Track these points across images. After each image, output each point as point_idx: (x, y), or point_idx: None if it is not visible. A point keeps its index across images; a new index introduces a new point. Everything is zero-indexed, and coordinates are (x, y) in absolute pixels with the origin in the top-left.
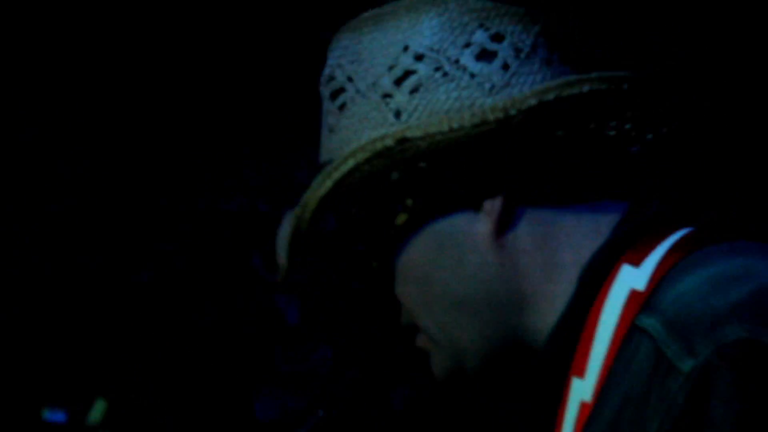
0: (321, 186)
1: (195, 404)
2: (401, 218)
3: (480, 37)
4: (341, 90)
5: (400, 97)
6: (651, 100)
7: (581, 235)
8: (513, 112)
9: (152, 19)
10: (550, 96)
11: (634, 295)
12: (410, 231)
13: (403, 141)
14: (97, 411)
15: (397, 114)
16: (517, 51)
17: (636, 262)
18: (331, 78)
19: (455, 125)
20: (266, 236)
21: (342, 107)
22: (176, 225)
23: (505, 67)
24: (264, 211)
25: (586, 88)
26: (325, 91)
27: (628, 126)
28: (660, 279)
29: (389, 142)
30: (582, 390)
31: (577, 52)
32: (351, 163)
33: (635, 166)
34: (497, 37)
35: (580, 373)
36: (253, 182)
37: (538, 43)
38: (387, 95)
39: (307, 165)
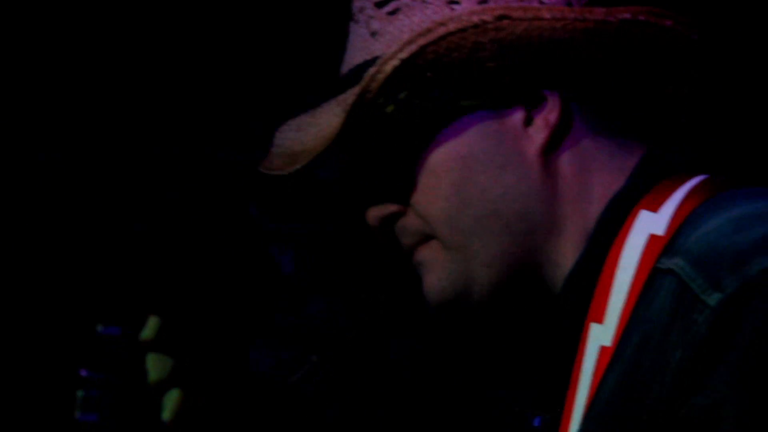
0: (403, 49)
1: (186, 358)
2: (465, 102)
3: None
4: None
5: (467, 5)
6: (705, 66)
7: (609, 172)
8: (612, 18)
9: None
10: (641, 17)
11: (653, 239)
12: (457, 125)
13: (502, 17)
14: (151, 327)
15: None
16: None
17: (654, 208)
18: None
19: (557, 15)
20: (262, 185)
21: (394, 12)
22: (171, 173)
23: (569, 3)
24: (260, 159)
25: (668, 22)
26: (367, 2)
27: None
28: (680, 223)
29: (487, 16)
30: (601, 335)
31: None
32: (441, 30)
33: (661, 110)
34: None
35: (599, 319)
36: (248, 131)
37: None
38: (453, 2)
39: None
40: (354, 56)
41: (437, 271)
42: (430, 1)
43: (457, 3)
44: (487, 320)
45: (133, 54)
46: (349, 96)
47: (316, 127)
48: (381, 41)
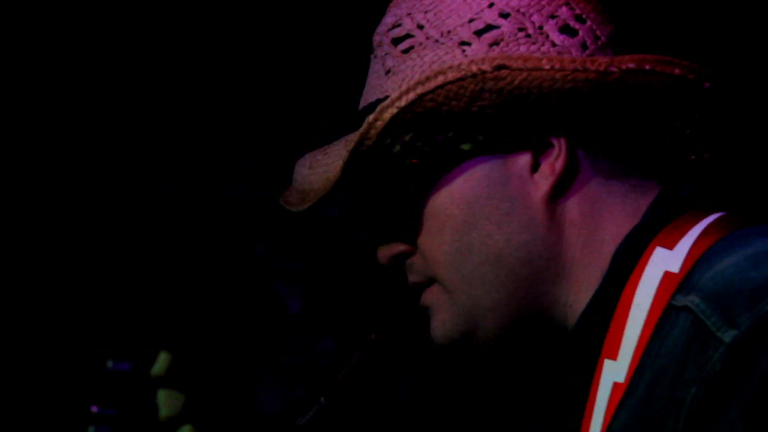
0: (401, 97)
1: (197, 394)
2: (466, 146)
3: (565, 13)
4: (408, 36)
5: (478, 46)
6: (713, 109)
7: (623, 214)
8: (614, 69)
9: (157, 10)
10: (647, 66)
11: (668, 276)
12: (463, 168)
13: (500, 67)
14: (161, 363)
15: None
16: (596, 38)
17: (669, 245)
18: (397, 25)
19: (557, 65)
20: (269, 224)
21: (407, 51)
22: (178, 213)
23: (584, 46)
24: (266, 199)
25: (677, 70)
26: (385, 37)
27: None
28: (694, 261)
29: (485, 66)
30: (615, 371)
31: None
32: (440, 79)
33: (669, 149)
34: (580, 19)
35: (613, 355)
36: (255, 170)
37: (611, 39)
38: (464, 43)
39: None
40: (369, 93)
41: (441, 315)
42: (443, 41)
43: (468, 45)
44: (494, 358)
45: (142, 93)
46: (352, 140)
47: (324, 167)
48: (393, 80)
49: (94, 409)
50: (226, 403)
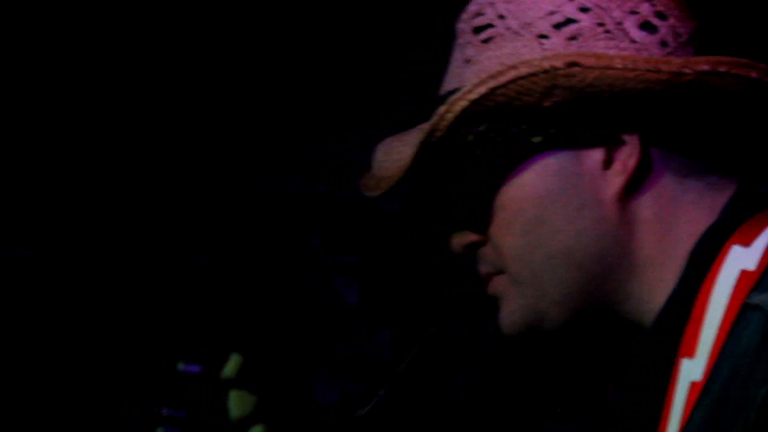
0: (473, 91)
1: (268, 394)
2: (537, 139)
3: (646, 9)
4: (488, 26)
5: (557, 40)
6: None
7: (699, 212)
8: (687, 71)
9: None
10: (722, 68)
11: (744, 275)
12: (534, 162)
13: (572, 64)
14: (232, 365)
15: None
16: (676, 35)
17: (746, 243)
18: (479, 14)
19: (629, 65)
20: (325, 218)
21: (487, 41)
22: (235, 206)
23: (664, 43)
24: (323, 192)
25: (754, 73)
26: (467, 25)
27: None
28: None
29: (558, 62)
30: (692, 370)
31: None
32: (512, 73)
33: (746, 147)
34: (661, 15)
35: (690, 353)
36: (313, 163)
37: (693, 37)
38: (543, 36)
39: (367, 146)
40: (449, 80)
41: (508, 305)
42: (522, 33)
43: (546, 38)
44: (562, 352)
45: (201, 87)
46: (424, 129)
47: (398, 154)
48: (472, 69)
49: (165, 411)
50: (290, 398)
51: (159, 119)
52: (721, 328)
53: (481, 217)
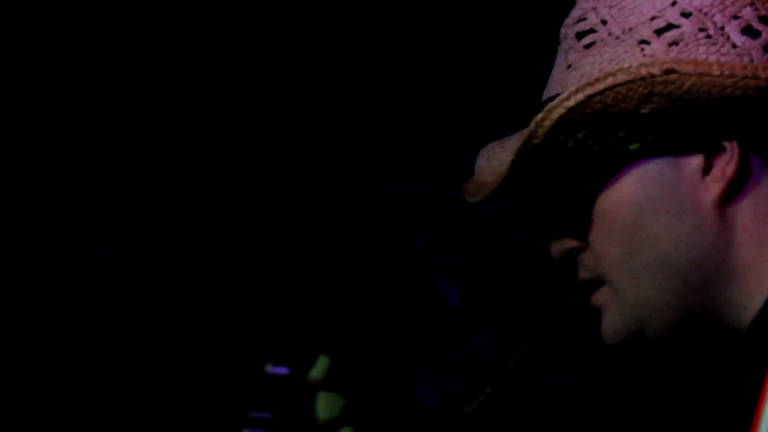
0: (569, 98)
1: (357, 396)
2: (634, 146)
3: (749, 13)
4: (591, 31)
5: (658, 46)
6: None
7: None
8: None
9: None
10: None
11: None
12: (632, 168)
13: (669, 71)
14: (320, 367)
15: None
16: None
17: None
18: (582, 19)
19: (726, 72)
20: (430, 218)
21: (589, 46)
22: (340, 205)
23: (767, 48)
24: (428, 193)
25: None
26: (570, 30)
27: None
28: None
29: (655, 69)
30: None
31: None
32: (609, 80)
33: None
34: (764, 20)
35: None
36: (419, 164)
37: None
38: (644, 41)
39: (473, 148)
40: (552, 85)
41: (610, 315)
42: (623, 38)
43: (647, 43)
44: (662, 358)
45: (314, 86)
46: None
47: (498, 161)
48: (573, 75)
49: (253, 413)
50: (384, 398)
51: (269, 118)
52: None
53: (581, 224)
